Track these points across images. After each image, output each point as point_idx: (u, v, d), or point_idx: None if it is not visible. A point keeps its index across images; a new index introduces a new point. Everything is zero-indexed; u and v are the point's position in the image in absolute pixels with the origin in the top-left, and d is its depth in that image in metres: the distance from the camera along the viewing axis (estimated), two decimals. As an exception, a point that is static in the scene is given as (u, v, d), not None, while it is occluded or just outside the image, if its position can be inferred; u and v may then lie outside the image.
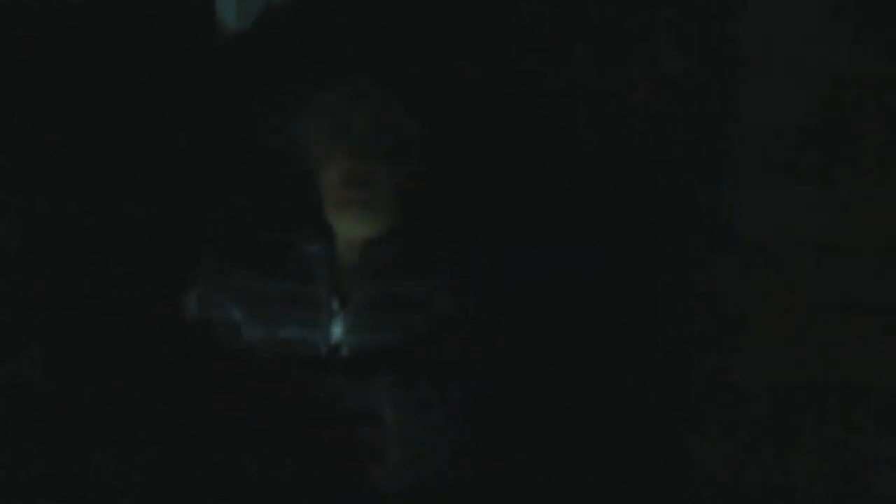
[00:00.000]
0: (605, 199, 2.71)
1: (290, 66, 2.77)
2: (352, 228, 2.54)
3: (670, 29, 2.68)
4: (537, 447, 2.59)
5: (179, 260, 2.64)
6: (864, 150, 2.59)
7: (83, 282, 2.62)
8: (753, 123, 2.64)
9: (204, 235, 2.70)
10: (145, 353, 2.55)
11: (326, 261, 2.54)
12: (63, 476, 2.41)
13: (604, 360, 2.66)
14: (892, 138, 2.58)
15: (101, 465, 2.45)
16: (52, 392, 2.48)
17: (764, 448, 2.63)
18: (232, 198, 2.76)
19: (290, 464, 2.45)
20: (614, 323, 2.67)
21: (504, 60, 2.76)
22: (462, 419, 2.47)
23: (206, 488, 2.46)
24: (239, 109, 2.78)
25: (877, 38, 2.57)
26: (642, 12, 2.70)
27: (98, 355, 2.54)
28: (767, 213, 2.64)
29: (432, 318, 2.47)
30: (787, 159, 2.63)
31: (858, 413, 2.57)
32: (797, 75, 2.61)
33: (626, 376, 2.66)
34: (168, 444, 2.51)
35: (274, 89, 2.73)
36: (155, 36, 2.76)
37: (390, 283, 2.51)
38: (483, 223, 2.68)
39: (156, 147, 2.74)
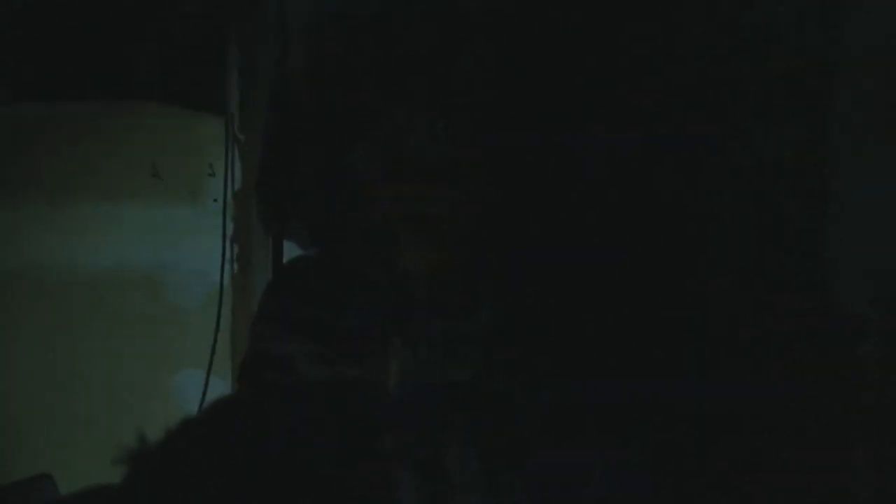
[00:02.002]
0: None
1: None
2: (415, 260, 2.39)
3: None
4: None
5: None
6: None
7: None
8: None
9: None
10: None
11: (392, 294, 2.39)
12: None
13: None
14: None
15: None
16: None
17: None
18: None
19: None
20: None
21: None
22: (537, 471, 2.32)
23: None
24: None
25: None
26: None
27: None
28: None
29: (507, 357, 2.34)
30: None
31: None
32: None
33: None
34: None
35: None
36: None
37: (462, 319, 2.36)
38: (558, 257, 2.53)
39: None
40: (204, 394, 3.15)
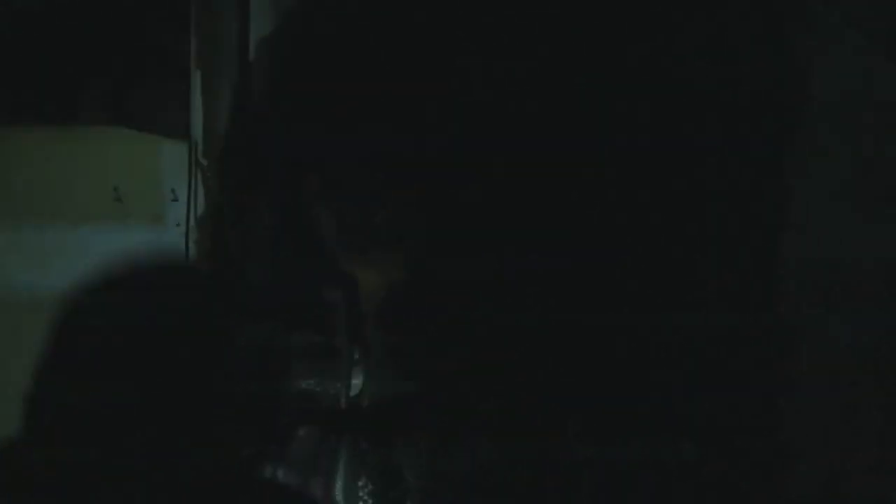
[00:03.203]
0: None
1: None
2: (359, 267, 2.50)
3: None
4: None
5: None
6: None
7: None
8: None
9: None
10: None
11: (347, 308, 2.47)
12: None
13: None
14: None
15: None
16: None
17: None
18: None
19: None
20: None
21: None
22: (492, 479, 2.37)
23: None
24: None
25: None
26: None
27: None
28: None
29: (460, 369, 2.39)
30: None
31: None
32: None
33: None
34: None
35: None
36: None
37: (414, 332, 2.43)
38: (524, 265, 2.60)
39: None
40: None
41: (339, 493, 2.36)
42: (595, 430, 2.62)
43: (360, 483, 2.36)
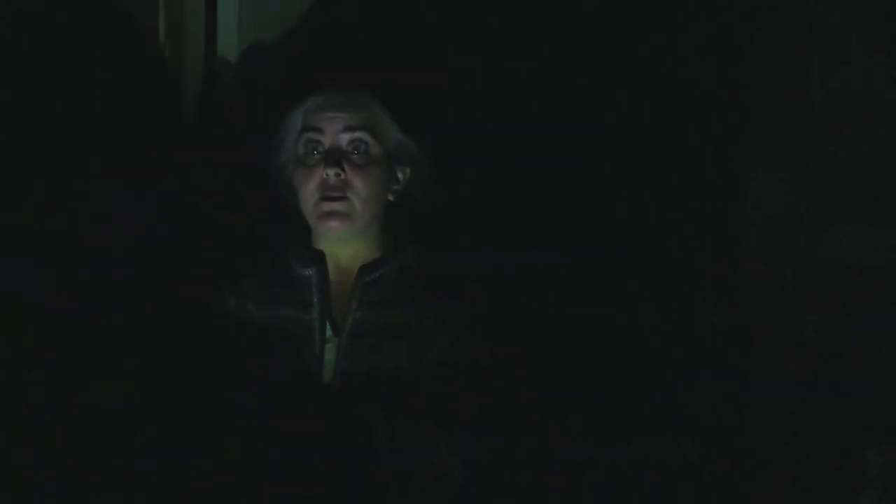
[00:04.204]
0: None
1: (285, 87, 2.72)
2: (331, 244, 2.47)
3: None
4: (541, 482, 2.55)
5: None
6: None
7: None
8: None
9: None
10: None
11: (320, 286, 2.45)
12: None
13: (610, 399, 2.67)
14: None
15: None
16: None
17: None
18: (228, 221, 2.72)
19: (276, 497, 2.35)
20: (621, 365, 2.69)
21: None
22: (461, 455, 2.36)
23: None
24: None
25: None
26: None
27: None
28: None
29: (428, 348, 2.40)
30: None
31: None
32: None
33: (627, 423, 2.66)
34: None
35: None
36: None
37: (384, 310, 2.43)
38: (487, 250, 2.62)
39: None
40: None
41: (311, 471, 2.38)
42: (596, 430, 2.62)
43: (333, 458, 2.36)
